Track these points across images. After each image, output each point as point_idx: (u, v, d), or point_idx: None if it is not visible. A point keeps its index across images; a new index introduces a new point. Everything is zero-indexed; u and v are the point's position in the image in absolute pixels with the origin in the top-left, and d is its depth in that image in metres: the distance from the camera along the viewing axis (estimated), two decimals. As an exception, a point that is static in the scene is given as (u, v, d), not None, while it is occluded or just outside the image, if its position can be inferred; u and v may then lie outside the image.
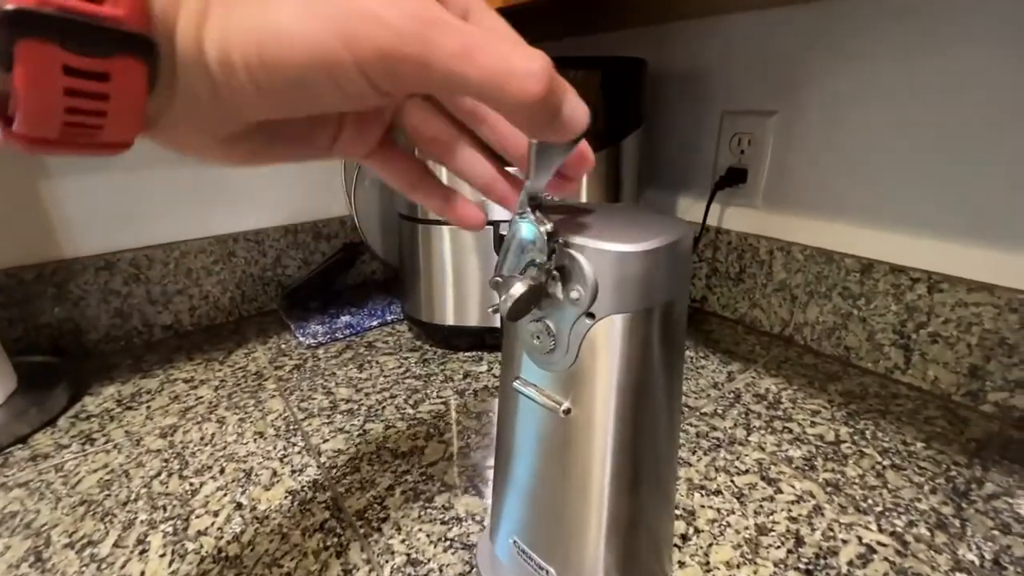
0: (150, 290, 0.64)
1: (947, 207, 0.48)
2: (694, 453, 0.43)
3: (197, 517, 0.37)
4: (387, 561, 0.34)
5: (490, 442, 0.45)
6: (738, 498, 0.38)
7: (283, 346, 0.63)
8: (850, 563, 0.33)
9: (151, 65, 0.14)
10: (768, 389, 0.52)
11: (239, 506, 0.38)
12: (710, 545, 0.35)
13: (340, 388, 0.54)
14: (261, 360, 0.60)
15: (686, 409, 0.49)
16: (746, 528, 0.36)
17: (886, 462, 0.42)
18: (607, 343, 0.22)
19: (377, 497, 0.39)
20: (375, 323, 0.68)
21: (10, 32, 0.12)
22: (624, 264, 0.21)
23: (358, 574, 0.33)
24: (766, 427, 0.47)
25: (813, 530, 0.36)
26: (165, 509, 0.38)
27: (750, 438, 0.45)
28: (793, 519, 0.37)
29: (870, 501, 0.38)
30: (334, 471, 0.42)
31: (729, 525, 0.36)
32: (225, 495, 0.39)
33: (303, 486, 0.40)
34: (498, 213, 0.26)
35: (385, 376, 0.56)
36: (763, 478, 0.40)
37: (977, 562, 0.33)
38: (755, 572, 0.33)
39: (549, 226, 0.20)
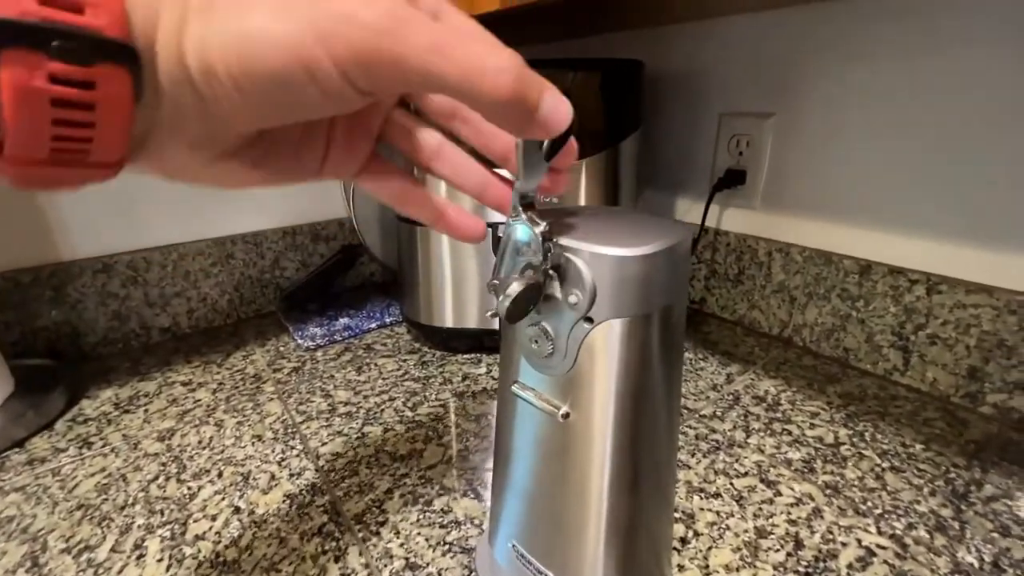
0: (148, 293, 0.64)
1: (946, 208, 0.48)
2: (693, 455, 0.43)
3: (195, 521, 0.37)
4: (386, 565, 0.33)
5: (489, 445, 0.45)
6: (737, 501, 0.38)
7: (281, 348, 0.63)
8: (849, 566, 0.33)
9: (135, 74, 0.14)
10: (767, 391, 0.52)
11: (237, 510, 0.38)
12: (709, 548, 0.35)
13: (338, 391, 0.54)
14: (259, 363, 0.60)
15: (685, 411, 0.49)
16: (745, 531, 0.36)
17: (885, 464, 0.42)
18: (605, 348, 0.22)
19: (376, 500, 0.39)
20: (374, 325, 0.68)
21: None
22: (623, 268, 0.21)
23: (356, 578, 0.33)
24: (765, 429, 0.46)
25: (812, 533, 0.36)
26: (163, 513, 0.38)
27: (749, 440, 0.45)
28: (792, 522, 0.37)
29: (869, 503, 0.38)
30: (332, 474, 0.42)
31: (728, 528, 0.36)
32: (223, 499, 0.39)
33: (301, 489, 0.40)
34: (497, 215, 0.26)
35: (384, 378, 0.56)
36: (762, 480, 0.40)
37: (977, 565, 0.33)
38: (754, 575, 0.33)
39: (542, 226, 0.20)
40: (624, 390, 0.22)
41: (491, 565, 0.31)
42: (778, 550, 0.34)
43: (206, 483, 0.41)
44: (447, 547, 0.35)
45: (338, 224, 0.78)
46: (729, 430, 0.46)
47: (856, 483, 0.40)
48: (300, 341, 0.63)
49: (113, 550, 0.35)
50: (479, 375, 0.56)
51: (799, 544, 0.35)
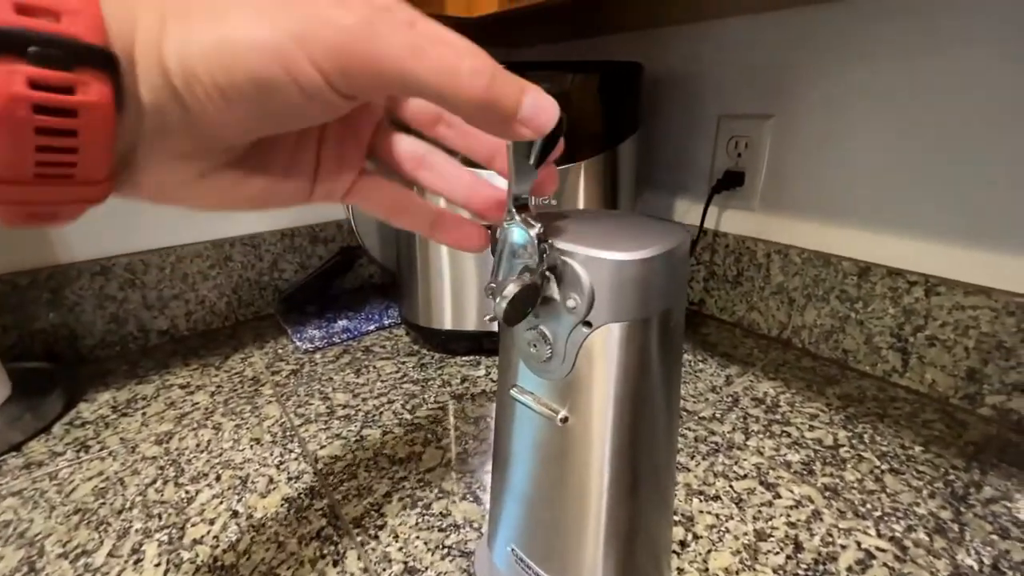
0: (146, 295, 0.64)
1: (944, 210, 0.48)
2: (692, 458, 0.43)
3: (193, 525, 0.37)
4: (384, 569, 0.33)
5: (488, 448, 0.45)
6: (737, 503, 0.38)
7: (280, 351, 0.63)
8: (849, 569, 0.33)
9: (115, 80, 0.14)
10: (766, 393, 0.52)
11: (235, 514, 0.38)
12: (709, 551, 0.34)
13: (337, 393, 0.53)
14: (258, 365, 0.60)
15: (684, 413, 0.49)
16: (745, 534, 0.36)
17: (884, 466, 0.42)
18: (604, 352, 0.22)
19: (374, 504, 0.39)
20: (372, 327, 0.67)
21: None
22: (621, 272, 0.20)
23: (355, 583, 0.33)
24: (764, 431, 0.46)
25: (812, 535, 0.36)
26: (160, 517, 0.38)
27: (748, 442, 0.45)
28: (792, 524, 0.36)
29: (869, 506, 0.38)
30: (331, 478, 0.41)
31: (728, 531, 0.36)
32: (221, 503, 0.39)
33: (300, 493, 0.40)
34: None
35: (382, 381, 0.56)
36: (762, 483, 0.40)
37: (976, 567, 0.33)
38: (754, 578, 0.33)
39: (537, 227, 0.20)
40: (623, 394, 0.22)
41: (490, 569, 0.31)
42: (778, 553, 0.34)
43: (204, 487, 0.41)
44: (446, 551, 0.35)
45: (336, 226, 0.78)
46: (728, 432, 0.46)
47: (855, 485, 0.40)
48: (298, 343, 0.63)
49: (110, 555, 0.35)
50: (478, 377, 0.56)
51: (799, 547, 0.35)
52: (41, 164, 0.14)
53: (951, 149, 0.47)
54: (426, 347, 0.63)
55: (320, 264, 0.76)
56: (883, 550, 0.34)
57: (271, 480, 0.41)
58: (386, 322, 0.69)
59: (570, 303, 0.21)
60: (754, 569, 0.33)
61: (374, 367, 0.59)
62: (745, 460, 0.43)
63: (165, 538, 0.36)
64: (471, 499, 0.39)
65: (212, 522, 0.37)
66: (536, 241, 0.20)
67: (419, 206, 0.23)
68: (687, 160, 0.69)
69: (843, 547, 0.35)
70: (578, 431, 0.23)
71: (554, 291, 0.22)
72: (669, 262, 0.21)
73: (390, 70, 0.15)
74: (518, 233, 0.21)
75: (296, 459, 0.44)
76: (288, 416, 0.50)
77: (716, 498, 0.39)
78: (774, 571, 0.33)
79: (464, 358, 0.60)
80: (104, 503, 0.39)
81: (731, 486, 0.40)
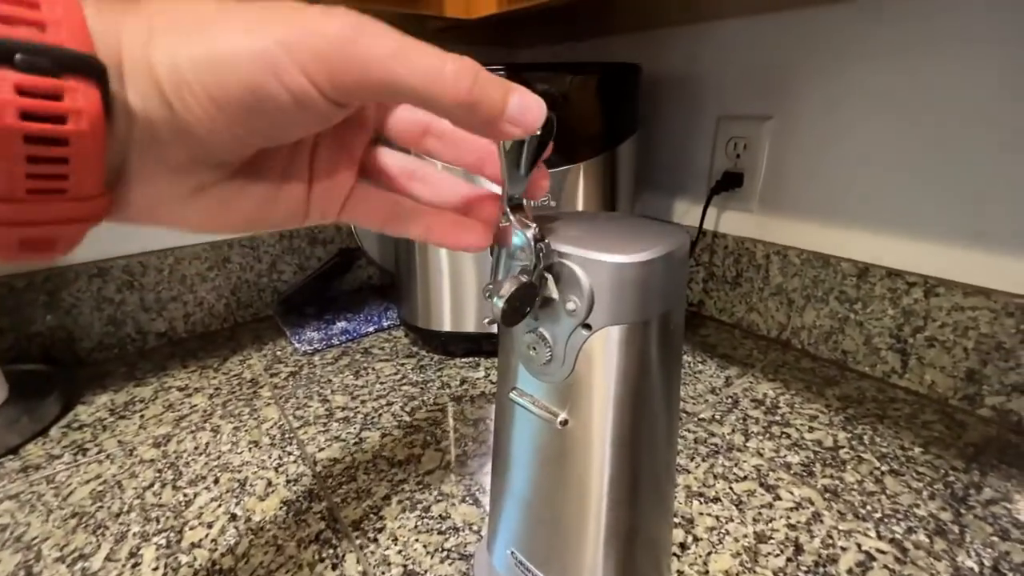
0: (144, 297, 0.64)
1: (944, 211, 0.48)
2: (692, 460, 0.43)
3: (191, 529, 0.37)
4: (384, 573, 0.33)
5: (487, 450, 0.45)
6: (737, 505, 0.38)
7: (278, 353, 0.63)
8: (849, 571, 0.33)
9: (102, 87, 0.14)
10: (766, 394, 0.52)
11: (233, 517, 0.38)
12: (709, 554, 0.34)
13: (336, 395, 0.53)
14: (256, 367, 0.60)
15: (684, 415, 0.49)
16: (745, 536, 0.36)
17: (884, 467, 0.42)
18: (603, 355, 0.22)
19: (373, 507, 0.38)
20: (371, 329, 0.67)
21: None
22: (621, 275, 0.20)
23: (354, 586, 0.32)
24: (764, 432, 0.46)
25: (812, 537, 0.35)
26: (158, 521, 0.38)
27: (748, 444, 0.45)
28: (792, 526, 0.36)
29: (869, 507, 0.38)
30: (330, 480, 0.41)
31: (728, 533, 0.36)
32: (219, 506, 0.39)
33: (298, 496, 0.40)
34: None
35: (381, 383, 0.56)
36: (762, 485, 0.40)
37: (977, 569, 0.33)
38: (754, 581, 0.33)
39: (533, 228, 0.20)
40: (623, 397, 0.22)
41: (490, 572, 0.31)
42: (778, 555, 0.34)
43: (202, 490, 0.41)
44: (445, 554, 0.35)
45: (335, 227, 0.78)
46: (728, 433, 0.46)
47: (855, 487, 0.40)
48: (297, 345, 0.63)
49: (108, 558, 0.35)
50: (477, 379, 0.56)
51: (799, 549, 0.35)
52: (32, 176, 0.13)
53: (950, 150, 0.47)
54: (425, 349, 0.63)
55: (319, 266, 0.75)
56: (883, 552, 0.34)
57: (269, 483, 0.41)
58: (385, 324, 0.69)
59: (569, 305, 0.21)
60: (754, 571, 0.33)
61: (373, 369, 0.58)
62: (745, 462, 0.43)
63: (163, 541, 0.36)
64: (470, 502, 0.39)
65: (210, 525, 0.37)
66: (532, 241, 0.20)
67: (414, 211, 0.23)
68: (686, 161, 0.69)
69: (843, 549, 0.35)
70: (578, 434, 0.23)
71: (553, 292, 0.22)
72: (669, 264, 0.21)
73: (376, 73, 0.15)
74: (514, 235, 0.21)
75: (295, 462, 0.44)
76: (287, 418, 0.50)
77: (716, 500, 0.39)
78: (774, 573, 0.33)
79: (463, 360, 0.60)
80: (102, 506, 0.39)
81: (731, 488, 0.40)
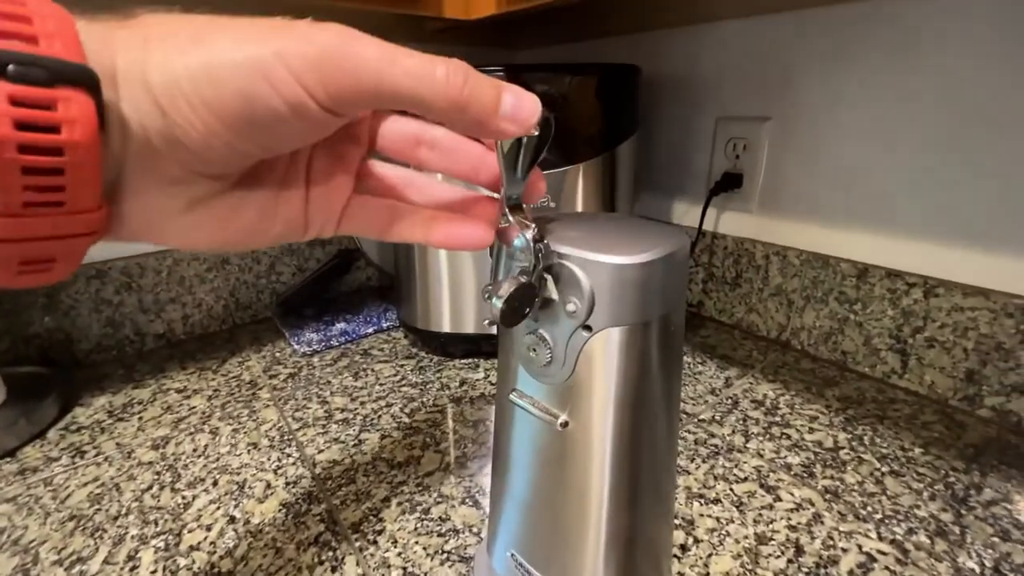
0: (142, 299, 0.63)
1: (943, 211, 0.48)
2: (692, 461, 0.43)
3: (189, 531, 0.37)
4: (383, 575, 0.33)
5: (487, 451, 0.44)
6: (737, 506, 0.38)
7: (277, 354, 0.63)
8: (850, 572, 0.33)
9: (96, 97, 0.14)
10: (766, 395, 0.52)
11: (232, 520, 0.38)
12: (710, 555, 0.34)
13: (335, 397, 0.53)
14: (255, 369, 0.59)
15: (684, 416, 0.49)
16: (746, 537, 0.36)
17: (885, 468, 0.42)
18: (604, 356, 0.21)
19: (373, 509, 0.38)
20: (370, 330, 0.67)
21: None
22: (621, 276, 0.20)
23: (353, 589, 0.32)
24: (764, 433, 0.46)
25: (813, 539, 0.35)
26: (157, 524, 0.38)
27: (748, 445, 0.45)
28: (793, 527, 0.36)
29: (869, 508, 0.38)
30: (329, 482, 0.41)
31: (728, 534, 0.36)
32: (218, 508, 0.39)
33: (298, 498, 0.40)
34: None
35: (381, 384, 0.55)
36: (762, 486, 0.40)
37: (978, 570, 0.33)
38: (755, 583, 0.32)
39: (532, 229, 0.20)
40: (623, 399, 0.22)
41: (489, 574, 0.31)
42: (779, 556, 0.34)
43: (201, 492, 0.40)
44: (445, 556, 0.34)
45: (334, 229, 0.78)
46: (728, 434, 0.46)
47: (856, 488, 0.40)
48: (296, 347, 0.63)
49: (106, 561, 0.35)
50: (476, 380, 0.56)
51: (800, 550, 0.35)
52: (29, 189, 0.13)
53: (949, 150, 0.47)
54: (424, 350, 0.63)
55: (318, 267, 0.75)
56: (884, 553, 0.34)
57: (268, 485, 0.41)
58: (384, 325, 0.68)
59: (570, 307, 0.21)
60: (755, 573, 0.33)
61: (372, 370, 0.58)
62: (745, 463, 0.43)
63: (161, 544, 0.36)
64: (470, 503, 0.39)
65: (209, 528, 0.37)
66: (531, 242, 0.20)
67: (413, 215, 0.23)
68: (685, 162, 0.69)
69: (844, 550, 0.34)
70: (578, 436, 0.23)
71: (553, 293, 0.22)
72: (670, 265, 0.21)
73: (367, 78, 0.15)
74: (513, 235, 0.21)
75: (294, 464, 0.43)
76: (286, 420, 0.50)
77: (716, 501, 0.39)
78: (775, 575, 0.33)
79: (463, 361, 0.60)
80: (100, 509, 0.39)
81: (731, 489, 0.40)
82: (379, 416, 0.50)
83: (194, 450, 0.46)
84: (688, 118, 0.67)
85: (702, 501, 0.39)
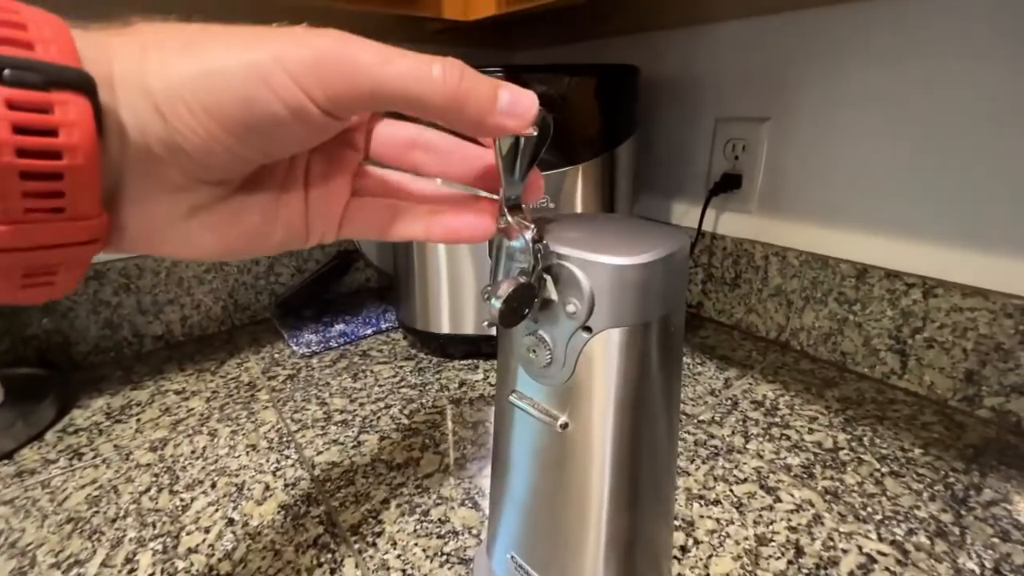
0: (140, 300, 0.63)
1: (942, 211, 0.48)
2: (692, 462, 0.43)
3: (188, 534, 0.37)
4: (382, 577, 0.33)
5: (486, 453, 0.44)
6: (737, 508, 0.38)
7: (276, 356, 0.63)
8: (851, 573, 0.33)
9: (93, 100, 0.14)
10: (765, 395, 0.52)
11: (231, 522, 0.38)
12: (710, 557, 0.34)
13: (334, 398, 0.53)
14: (254, 370, 0.59)
15: (683, 417, 0.49)
16: (746, 538, 0.36)
17: (884, 469, 0.42)
18: (604, 357, 0.21)
19: (372, 511, 0.38)
20: (369, 331, 0.67)
21: None
22: (622, 277, 0.20)
23: (352, 591, 0.32)
24: (764, 434, 0.46)
25: (813, 540, 0.35)
26: (155, 526, 0.37)
27: (748, 446, 0.45)
28: (793, 529, 0.36)
29: (869, 509, 0.38)
30: (328, 484, 0.41)
31: (729, 536, 0.36)
32: (216, 510, 0.39)
33: (296, 500, 0.39)
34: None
35: (380, 385, 0.55)
36: (762, 487, 0.40)
37: (978, 571, 0.33)
38: (755, 584, 0.32)
39: (531, 229, 0.20)
40: (623, 400, 0.22)
41: (489, 576, 0.31)
42: (779, 558, 0.34)
43: (199, 494, 0.40)
44: (445, 558, 0.34)
45: (333, 229, 0.78)
46: (728, 435, 0.46)
47: (856, 488, 0.40)
48: (295, 348, 0.63)
49: (104, 564, 0.34)
50: (476, 381, 0.56)
51: (800, 551, 0.34)
52: (29, 195, 0.13)
53: (948, 151, 0.47)
54: (424, 351, 0.63)
55: (317, 268, 0.75)
56: (884, 554, 0.34)
57: (267, 487, 0.41)
58: (383, 326, 0.68)
59: (570, 308, 0.21)
60: (755, 574, 0.33)
61: (371, 372, 0.58)
62: (745, 464, 0.43)
63: (159, 547, 0.36)
64: (470, 505, 0.39)
65: (207, 530, 0.37)
66: (530, 243, 0.20)
67: (411, 209, 0.22)
68: (684, 163, 0.69)
69: (844, 551, 0.34)
70: (578, 437, 0.23)
71: (552, 294, 0.22)
72: (669, 266, 0.21)
73: (364, 78, 0.16)
74: (513, 236, 0.21)
75: (293, 465, 0.43)
76: (284, 422, 0.49)
77: (716, 502, 0.39)
78: (775, 576, 0.33)
79: (462, 362, 0.60)
80: (97, 511, 0.39)
81: (731, 490, 0.40)
82: (378, 417, 0.50)
83: (192, 452, 0.45)
84: (687, 119, 0.67)
85: (702, 502, 0.39)
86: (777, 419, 0.48)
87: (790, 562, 0.34)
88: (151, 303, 0.64)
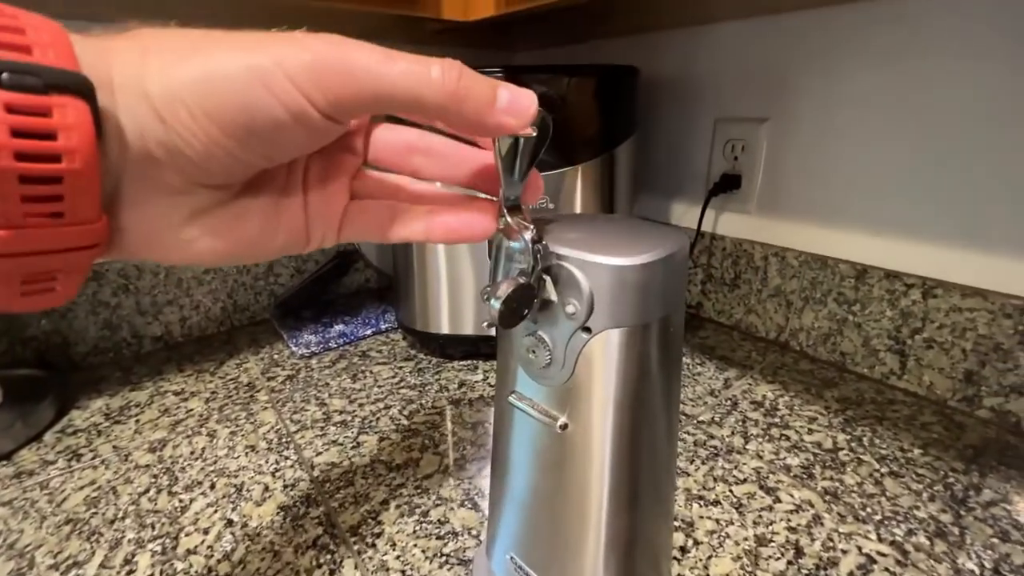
0: (139, 301, 0.63)
1: (941, 212, 0.48)
2: (692, 462, 0.43)
3: (187, 535, 0.37)
4: (381, 578, 0.33)
5: (486, 454, 0.44)
6: (737, 508, 0.38)
7: (275, 356, 0.63)
8: (850, 574, 0.33)
9: (91, 104, 0.14)
10: (765, 396, 0.52)
11: (230, 523, 0.37)
12: (709, 557, 0.34)
13: (333, 399, 0.53)
14: (253, 371, 0.59)
15: (683, 417, 0.49)
16: (745, 539, 0.36)
17: (884, 469, 0.42)
18: (604, 358, 0.21)
19: (371, 512, 0.38)
20: (369, 332, 0.67)
21: None
22: (621, 278, 0.20)
23: (352, 592, 0.32)
24: (763, 435, 0.46)
25: (813, 540, 0.35)
26: (153, 527, 0.37)
27: (748, 446, 0.45)
28: (792, 529, 0.36)
29: (869, 510, 0.38)
30: (327, 485, 0.41)
31: (728, 536, 0.36)
32: (215, 511, 0.39)
33: (296, 501, 0.39)
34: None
35: (379, 386, 0.55)
36: (762, 487, 0.40)
37: (977, 571, 0.33)
38: (755, 585, 0.32)
39: (531, 230, 0.20)
40: (623, 401, 0.22)
41: (489, 577, 0.31)
42: (779, 558, 0.34)
43: (198, 495, 0.40)
44: (444, 559, 0.34)
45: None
46: (727, 436, 0.46)
47: (855, 489, 0.40)
48: (294, 349, 0.63)
49: (102, 566, 0.34)
50: (475, 382, 0.56)
51: (799, 552, 0.34)
52: (28, 199, 0.13)
53: (947, 151, 0.47)
54: (423, 352, 0.63)
55: (316, 269, 0.75)
56: (884, 555, 0.34)
57: (266, 488, 0.41)
58: (383, 327, 0.68)
59: (569, 308, 0.21)
60: (755, 575, 0.33)
61: (371, 372, 0.58)
62: (745, 464, 0.43)
63: (158, 548, 0.36)
64: (469, 506, 0.39)
65: (206, 531, 0.37)
66: (530, 243, 0.20)
67: (410, 210, 0.22)
68: (684, 163, 0.69)
69: (844, 552, 0.34)
70: (577, 438, 0.23)
71: (552, 295, 0.21)
72: (669, 266, 0.21)
73: (364, 80, 0.16)
74: (512, 236, 0.21)
75: (292, 466, 0.43)
76: (284, 423, 0.49)
77: (716, 503, 0.39)
78: (775, 577, 0.33)
79: (461, 362, 0.60)
80: (96, 513, 0.39)
81: (731, 490, 0.40)
82: (377, 418, 0.50)
83: (191, 453, 0.45)
84: (686, 119, 0.67)
85: (702, 503, 0.39)
86: (776, 419, 0.48)
87: (790, 563, 0.34)
88: (150, 304, 0.64)
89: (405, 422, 0.49)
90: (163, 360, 0.62)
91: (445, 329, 0.58)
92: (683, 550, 0.35)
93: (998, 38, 0.42)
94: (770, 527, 0.36)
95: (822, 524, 0.37)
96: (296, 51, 0.15)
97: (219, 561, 0.34)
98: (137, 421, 0.50)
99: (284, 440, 0.47)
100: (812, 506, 0.38)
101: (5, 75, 0.12)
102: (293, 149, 0.18)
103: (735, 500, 0.39)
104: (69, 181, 0.14)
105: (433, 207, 0.22)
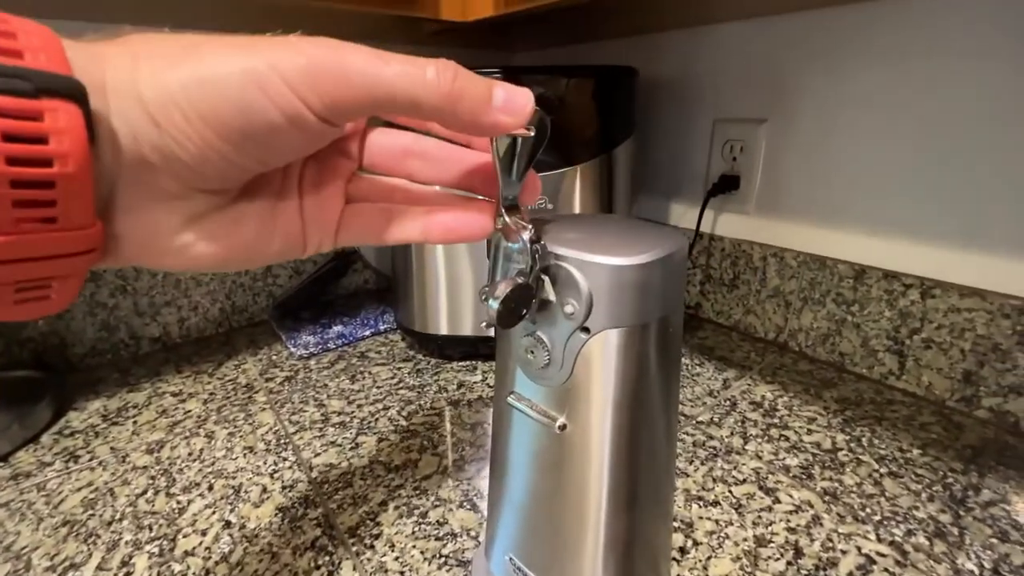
0: (137, 302, 0.63)
1: (940, 212, 0.48)
2: (691, 463, 0.43)
3: (184, 536, 0.36)
4: (380, 580, 0.33)
5: (485, 454, 0.44)
6: (736, 509, 0.38)
7: (274, 357, 0.62)
8: (850, 574, 0.33)
9: (83, 108, 0.14)
10: (764, 396, 0.52)
11: (228, 524, 0.37)
12: (709, 558, 0.34)
13: (332, 400, 0.53)
14: (251, 372, 0.59)
15: (682, 418, 0.49)
16: (745, 540, 0.35)
17: (883, 470, 0.42)
18: (602, 358, 0.21)
19: (370, 513, 0.38)
20: (367, 333, 0.67)
21: None
22: (620, 278, 0.20)
23: (350, 594, 0.32)
24: (763, 435, 0.46)
25: (812, 541, 0.35)
26: (151, 529, 0.37)
27: (747, 447, 0.45)
28: (792, 530, 0.36)
29: (868, 510, 0.38)
30: (326, 486, 0.41)
31: (728, 537, 0.36)
32: (213, 513, 0.38)
33: (294, 502, 0.39)
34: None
35: (378, 387, 0.55)
36: (761, 488, 0.40)
37: (977, 571, 0.33)
38: (755, 585, 0.32)
39: (529, 230, 0.20)
40: (621, 401, 0.22)
41: (488, 579, 0.31)
42: (778, 559, 0.34)
43: (196, 497, 0.40)
44: (443, 560, 0.34)
45: (331, 231, 0.77)
46: (727, 436, 0.46)
47: (855, 489, 0.40)
48: (293, 350, 0.63)
49: (100, 568, 0.34)
50: (474, 383, 0.56)
51: (799, 552, 0.34)
52: (20, 204, 0.13)
53: (946, 151, 0.47)
54: (422, 352, 0.62)
55: (315, 269, 0.75)
56: (883, 555, 0.34)
57: (265, 489, 0.41)
58: (381, 327, 0.68)
59: (568, 309, 0.21)
60: (755, 575, 0.33)
61: (369, 373, 0.58)
62: (744, 464, 0.43)
63: (156, 550, 0.35)
64: (468, 507, 0.39)
65: (204, 533, 0.37)
66: (528, 243, 0.20)
67: (406, 211, 0.22)
68: (682, 164, 0.69)
69: (843, 552, 0.34)
70: (576, 438, 0.23)
71: (550, 295, 0.21)
72: (668, 266, 0.21)
73: (359, 82, 0.16)
74: (511, 236, 0.21)
75: (290, 467, 0.43)
76: (282, 424, 0.49)
77: (715, 503, 0.39)
78: (774, 577, 0.33)
79: (460, 363, 0.60)
80: (93, 514, 0.39)
81: (730, 491, 0.40)
82: (376, 419, 0.50)
83: (189, 454, 0.45)
84: (685, 120, 0.67)
85: (701, 503, 0.39)
86: (776, 420, 0.48)
87: (789, 563, 0.34)
88: (148, 305, 0.64)
89: (404, 423, 0.49)
90: (161, 361, 0.62)
91: (444, 330, 0.58)
92: (682, 551, 0.35)
93: (1001, 38, 0.42)
94: (769, 528, 0.36)
95: (821, 524, 0.37)
96: (291, 54, 0.15)
97: (217, 563, 0.34)
98: (135, 422, 0.50)
99: (282, 441, 0.47)
100: (811, 506, 0.38)
101: None
102: (288, 152, 0.18)
103: (734, 501, 0.39)
104: (62, 185, 0.13)
105: (430, 208, 0.22)
